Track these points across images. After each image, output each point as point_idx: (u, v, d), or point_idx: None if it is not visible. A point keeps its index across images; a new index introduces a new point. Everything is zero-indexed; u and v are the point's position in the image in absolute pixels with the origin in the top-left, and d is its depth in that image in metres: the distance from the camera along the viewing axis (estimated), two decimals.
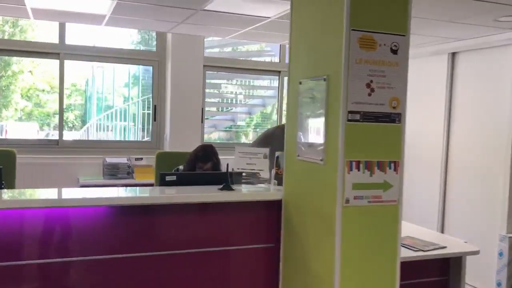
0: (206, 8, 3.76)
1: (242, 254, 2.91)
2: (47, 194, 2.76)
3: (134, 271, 2.66)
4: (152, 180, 5.52)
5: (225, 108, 7.28)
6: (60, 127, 5.64)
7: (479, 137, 4.58)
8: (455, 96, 4.89)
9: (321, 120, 2.43)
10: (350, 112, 2.27)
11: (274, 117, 7.32)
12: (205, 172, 3.43)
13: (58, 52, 5.54)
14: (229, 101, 7.31)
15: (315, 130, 2.50)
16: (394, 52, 2.33)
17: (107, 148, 5.83)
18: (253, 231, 2.94)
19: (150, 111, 6.20)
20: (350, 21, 2.23)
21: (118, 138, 6.31)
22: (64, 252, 2.51)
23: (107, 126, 6.29)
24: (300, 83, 2.65)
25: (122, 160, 5.62)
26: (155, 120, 6.03)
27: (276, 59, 7.43)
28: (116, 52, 5.88)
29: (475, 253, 3.37)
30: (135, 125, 6.32)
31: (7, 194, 2.52)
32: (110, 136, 6.32)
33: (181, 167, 3.72)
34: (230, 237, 2.89)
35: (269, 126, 7.24)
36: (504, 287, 4.25)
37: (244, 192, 2.94)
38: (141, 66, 6.16)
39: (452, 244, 3.31)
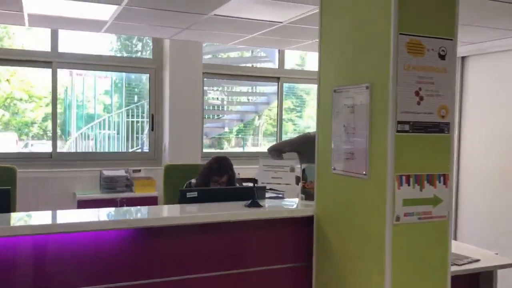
0: (216, 13, 3.58)
1: (272, 275, 2.71)
2: (72, 217, 2.52)
3: None
4: (153, 193, 5.30)
5: (213, 115, 7.07)
6: (54, 139, 5.37)
7: (490, 142, 4.49)
8: (465, 101, 4.80)
9: (364, 130, 2.26)
10: (399, 122, 2.11)
11: (256, 123, 7.20)
12: (226, 188, 3.22)
13: (50, 60, 5.27)
14: (217, 108, 7.11)
15: (356, 142, 2.32)
16: (442, 57, 2.18)
17: (102, 160, 5.57)
18: (283, 250, 2.75)
19: (135, 120, 6.00)
20: (398, 25, 2.08)
21: (103, 150, 6.04)
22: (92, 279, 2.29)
23: (95, 136, 6.03)
24: (335, 91, 2.48)
25: (120, 172, 5.37)
26: (152, 130, 5.79)
27: (271, 65, 7.28)
28: (112, 60, 5.65)
29: (510, 265, 3.25)
30: (119, 135, 6.08)
31: (19, 218, 2.29)
32: (93, 146, 6.03)
33: (193, 181, 3.51)
34: (259, 257, 2.69)
35: (251, 132, 7.10)
36: None
37: (273, 209, 2.75)
38: (124, 73, 5.89)
39: (484, 257, 3.17)
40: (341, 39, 2.47)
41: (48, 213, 2.45)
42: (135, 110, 6.16)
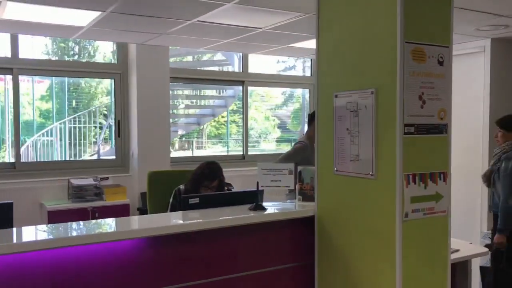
0: (200, 19, 3.60)
1: (277, 275, 2.79)
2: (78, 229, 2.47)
3: None
4: (125, 200, 5.20)
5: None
6: (17, 148, 5.14)
7: (458, 140, 4.79)
8: None
9: (369, 133, 2.39)
10: (406, 125, 2.25)
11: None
12: (227, 192, 3.25)
13: (11, 67, 5.04)
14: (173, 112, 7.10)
15: (361, 144, 2.45)
16: (441, 63, 2.35)
17: (67, 169, 5.40)
18: (286, 250, 2.84)
19: (81, 126, 5.90)
20: (405, 34, 2.22)
21: (50, 158, 5.90)
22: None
23: (43, 144, 5.86)
24: (336, 96, 2.60)
25: (89, 181, 5.23)
26: (119, 136, 5.68)
27: (231, 68, 7.36)
28: (76, 65, 5.49)
29: (485, 254, 3.51)
30: (62, 141, 5.95)
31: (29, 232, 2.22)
32: (41, 155, 5.88)
33: (182, 187, 3.51)
34: (263, 258, 2.76)
35: (195, 135, 7.16)
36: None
37: (276, 211, 2.83)
38: (59, 78, 5.72)
39: (462, 247, 3.41)
40: (341, 46, 2.59)
41: (60, 226, 2.39)
42: (81, 117, 6.06)
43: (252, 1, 3.10)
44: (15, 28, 3.99)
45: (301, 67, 7.71)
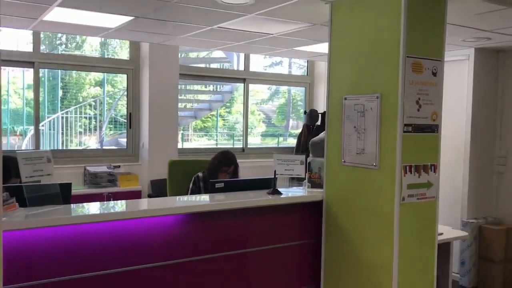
0: (220, 25, 4.04)
1: (289, 250, 3.27)
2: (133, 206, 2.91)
3: (203, 272, 2.92)
4: (137, 187, 5.62)
5: None
6: (37, 139, 5.52)
7: (443, 138, 5.32)
8: None
9: (374, 131, 2.87)
10: (405, 125, 2.74)
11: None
12: (246, 179, 3.71)
13: (32, 61, 5.41)
14: None
15: (366, 140, 2.93)
16: (434, 74, 2.84)
17: (82, 157, 5.80)
18: (297, 229, 3.32)
19: (75, 116, 6.27)
20: (406, 49, 2.70)
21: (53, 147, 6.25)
22: (151, 258, 2.71)
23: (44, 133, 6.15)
24: (345, 98, 3.07)
25: (103, 168, 5.63)
26: (130, 128, 6.09)
27: (229, 66, 7.79)
28: (91, 61, 5.88)
29: (465, 238, 4.03)
30: (53, 131, 6.23)
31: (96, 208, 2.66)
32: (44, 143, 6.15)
33: (200, 174, 3.96)
34: (278, 236, 3.24)
35: (181, 128, 7.59)
36: (468, 265, 5.01)
37: (290, 195, 3.30)
38: (46, 70, 5.99)
39: (445, 231, 3.92)
40: (351, 56, 3.06)
41: (118, 203, 2.82)
42: (78, 109, 6.42)
43: (271, 12, 3.54)
44: (53, 27, 4.37)
45: (287, 63, 8.04)
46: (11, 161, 2.53)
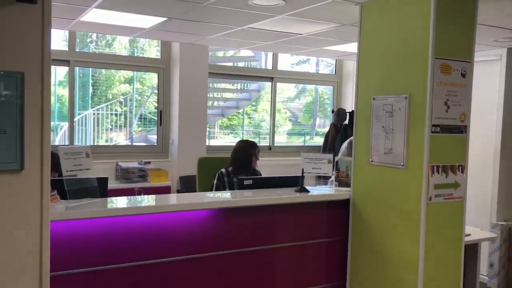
0: (250, 26, 4.11)
1: (316, 247, 3.34)
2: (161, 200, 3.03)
3: (230, 266, 3.01)
4: (167, 183, 5.77)
5: None
6: (71, 134, 5.72)
7: (473, 139, 5.29)
8: None
9: (402, 131, 2.91)
10: (433, 125, 2.77)
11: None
12: (272, 176, 3.79)
13: (68, 59, 5.60)
14: None
15: (394, 140, 2.96)
16: (463, 76, 2.85)
17: (113, 153, 5.97)
18: (324, 227, 3.37)
19: (103, 113, 6.40)
20: (435, 51, 2.72)
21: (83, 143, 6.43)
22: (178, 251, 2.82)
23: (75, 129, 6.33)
24: (374, 99, 3.11)
25: (134, 164, 5.79)
26: (160, 125, 6.24)
27: (257, 64, 7.86)
28: (125, 59, 6.05)
29: (493, 239, 4.01)
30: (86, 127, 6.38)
31: (127, 201, 2.78)
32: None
33: (223, 170, 4.05)
34: (305, 233, 3.30)
35: (209, 125, 7.67)
36: (496, 267, 4.97)
37: (318, 193, 3.36)
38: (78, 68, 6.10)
39: (473, 232, 3.91)
40: (380, 56, 3.09)
41: (146, 197, 2.94)
42: (108, 106, 6.59)
43: (301, 13, 3.60)
44: (89, 27, 4.53)
45: (315, 61, 8.06)
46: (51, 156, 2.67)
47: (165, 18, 3.92)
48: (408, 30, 2.89)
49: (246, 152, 3.99)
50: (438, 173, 2.81)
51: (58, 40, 5.78)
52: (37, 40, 1.97)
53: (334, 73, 7.58)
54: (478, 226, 4.50)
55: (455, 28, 2.82)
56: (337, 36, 4.45)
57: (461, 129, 2.89)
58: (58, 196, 2.50)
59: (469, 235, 3.83)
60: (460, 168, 2.91)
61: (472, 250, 3.96)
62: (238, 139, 7.66)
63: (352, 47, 4.91)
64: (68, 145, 5.73)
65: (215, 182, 4.07)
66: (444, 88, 2.79)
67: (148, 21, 4.06)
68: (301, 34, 4.43)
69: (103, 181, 2.92)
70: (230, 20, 3.92)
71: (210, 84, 7.42)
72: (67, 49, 5.64)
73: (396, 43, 2.97)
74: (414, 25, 2.84)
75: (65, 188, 2.60)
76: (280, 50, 5.96)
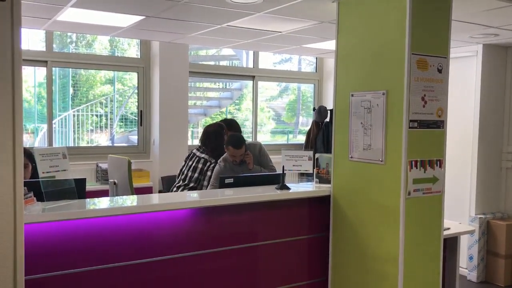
0: (229, 24, 4.10)
1: (297, 244, 3.34)
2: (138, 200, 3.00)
3: (212, 265, 3.00)
4: (148, 183, 5.72)
5: None
6: (50, 135, 5.64)
7: (451, 134, 5.36)
8: None
9: (380, 127, 2.92)
10: (411, 121, 2.79)
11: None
12: (253, 174, 3.79)
13: (45, 60, 5.52)
14: None
15: (373, 136, 2.98)
16: (440, 71, 2.88)
17: (94, 154, 5.90)
18: (305, 224, 3.38)
19: (83, 114, 6.36)
20: (411, 47, 2.75)
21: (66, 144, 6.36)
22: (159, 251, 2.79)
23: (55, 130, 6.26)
24: (352, 95, 3.13)
25: None
26: (141, 125, 6.19)
27: (238, 63, 7.84)
28: (103, 59, 5.98)
29: (472, 232, 4.07)
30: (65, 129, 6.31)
31: (100, 202, 2.74)
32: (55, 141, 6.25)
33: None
34: (287, 230, 3.30)
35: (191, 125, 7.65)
36: (476, 260, 5.04)
37: (299, 190, 3.36)
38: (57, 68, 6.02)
39: (452, 226, 3.96)
40: (358, 53, 3.11)
41: (131, 197, 2.91)
42: (88, 107, 6.52)
43: (279, 11, 3.60)
44: (66, 27, 4.47)
45: (297, 60, 8.05)
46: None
47: (143, 17, 3.88)
48: (384, 26, 2.91)
49: (219, 134, 4.04)
50: (417, 168, 2.84)
51: (37, 40, 5.69)
52: (6, 40, 1.93)
53: (315, 71, 7.61)
54: (457, 220, 4.57)
55: (431, 24, 2.85)
56: (316, 33, 4.46)
57: (439, 124, 2.92)
58: (34, 198, 2.46)
59: (448, 228, 3.88)
60: (438, 162, 2.94)
61: (451, 243, 4.02)
62: None
63: (332, 45, 4.92)
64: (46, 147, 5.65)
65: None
66: (421, 83, 2.81)
67: (125, 20, 4.02)
68: (280, 32, 4.43)
69: (80, 182, 2.87)
70: (208, 18, 3.90)
71: (192, 84, 7.40)
72: (44, 49, 5.55)
73: (373, 40, 2.99)
74: (391, 21, 2.86)
75: (41, 189, 2.55)
76: (260, 49, 5.95)
